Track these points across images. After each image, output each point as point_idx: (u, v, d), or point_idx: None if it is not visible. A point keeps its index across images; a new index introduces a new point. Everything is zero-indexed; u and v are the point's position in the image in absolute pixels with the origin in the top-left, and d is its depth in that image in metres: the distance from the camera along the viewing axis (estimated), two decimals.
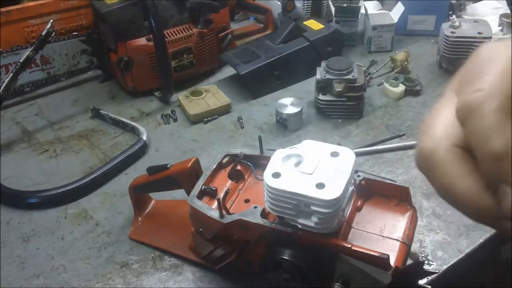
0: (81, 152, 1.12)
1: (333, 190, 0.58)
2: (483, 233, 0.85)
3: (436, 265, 0.80)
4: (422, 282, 0.65)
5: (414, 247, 0.76)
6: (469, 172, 0.24)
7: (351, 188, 0.66)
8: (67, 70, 1.32)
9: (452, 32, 1.22)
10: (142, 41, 1.22)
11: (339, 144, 0.91)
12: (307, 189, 0.58)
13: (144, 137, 1.11)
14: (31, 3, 1.27)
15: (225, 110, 1.21)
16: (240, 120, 1.17)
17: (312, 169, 0.60)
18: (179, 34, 1.26)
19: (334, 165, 0.61)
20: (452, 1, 1.48)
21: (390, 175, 0.98)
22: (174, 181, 0.80)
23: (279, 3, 1.47)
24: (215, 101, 1.21)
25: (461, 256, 0.81)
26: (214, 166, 0.76)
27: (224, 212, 0.68)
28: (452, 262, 0.80)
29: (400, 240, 0.65)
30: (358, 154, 0.91)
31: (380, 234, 0.66)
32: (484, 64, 0.24)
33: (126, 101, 1.29)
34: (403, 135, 1.09)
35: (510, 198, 0.22)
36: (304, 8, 1.47)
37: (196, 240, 0.77)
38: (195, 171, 0.78)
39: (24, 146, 1.15)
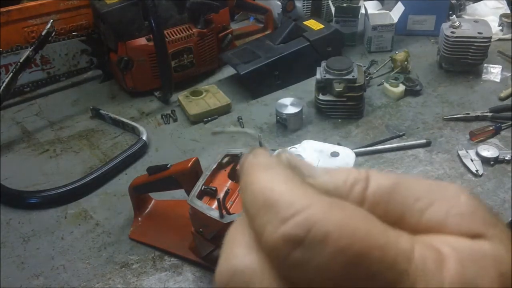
0: (81, 152, 1.12)
1: None
2: None
3: None
4: None
5: None
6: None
7: None
8: (67, 70, 1.32)
9: (452, 32, 1.22)
10: (142, 41, 1.22)
11: (339, 144, 0.91)
12: None
13: (144, 137, 1.11)
14: (31, 3, 1.27)
15: (225, 110, 1.20)
16: (240, 120, 1.17)
17: None
18: (179, 34, 1.26)
19: (334, 165, 0.61)
20: (452, 1, 1.48)
21: None
22: (174, 181, 0.80)
23: (279, 3, 1.47)
24: (215, 101, 1.21)
25: None
26: (214, 166, 0.76)
27: (224, 212, 0.68)
28: None
29: None
30: (358, 154, 0.91)
31: None
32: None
33: (126, 101, 1.29)
34: (403, 135, 1.09)
35: None
36: (304, 8, 1.47)
37: (196, 240, 0.77)
38: (195, 171, 0.78)
39: (24, 146, 1.15)
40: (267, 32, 1.48)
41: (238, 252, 0.20)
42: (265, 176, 0.21)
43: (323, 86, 1.15)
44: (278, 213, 0.19)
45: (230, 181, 0.76)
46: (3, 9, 1.23)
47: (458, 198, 0.21)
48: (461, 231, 0.20)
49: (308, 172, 0.22)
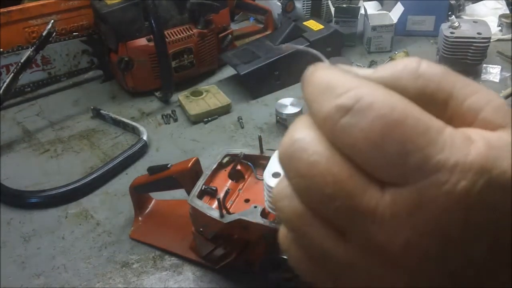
0: (81, 152, 1.13)
1: None
2: None
3: None
4: None
5: None
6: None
7: None
8: (68, 70, 1.33)
9: (452, 33, 1.23)
10: (142, 41, 1.22)
11: None
12: None
13: (145, 137, 1.11)
14: (32, 4, 1.27)
15: (225, 110, 1.21)
16: (240, 120, 1.17)
17: None
18: (180, 34, 1.26)
19: None
20: (452, 2, 1.49)
21: None
22: (174, 181, 0.80)
23: (279, 3, 1.48)
24: (215, 101, 1.21)
25: None
26: (214, 166, 0.77)
27: (224, 211, 0.68)
28: None
29: None
30: None
31: None
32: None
33: (127, 101, 1.30)
34: None
35: None
36: (303, 8, 1.47)
37: (197, 239, 0.77)
38: (195, 171, 0.78)
39: (25, 146, 1.16)
40: (267, 33, 1.48)
41: (299, 128, 0.24)
42: (324, 72, 0.25)
43: None
44: (334, 92, 0.23)
45: (230, 181, 0.76)
46: (4, 10, 1.23)
47: (494, 95, 0.24)
48: (493, 121, 0.23)
49: (362, 71, 0.26)
